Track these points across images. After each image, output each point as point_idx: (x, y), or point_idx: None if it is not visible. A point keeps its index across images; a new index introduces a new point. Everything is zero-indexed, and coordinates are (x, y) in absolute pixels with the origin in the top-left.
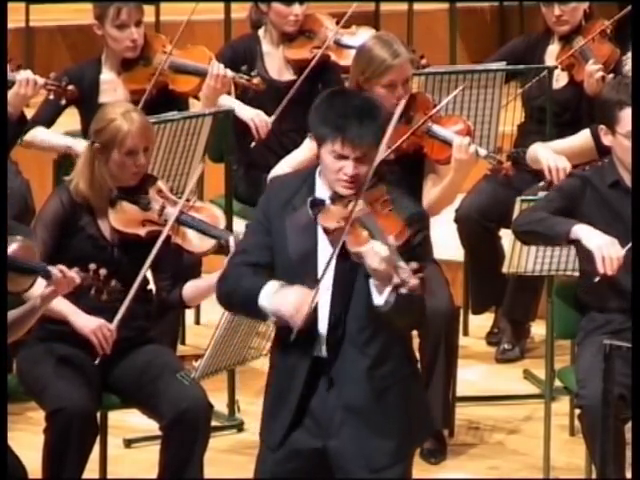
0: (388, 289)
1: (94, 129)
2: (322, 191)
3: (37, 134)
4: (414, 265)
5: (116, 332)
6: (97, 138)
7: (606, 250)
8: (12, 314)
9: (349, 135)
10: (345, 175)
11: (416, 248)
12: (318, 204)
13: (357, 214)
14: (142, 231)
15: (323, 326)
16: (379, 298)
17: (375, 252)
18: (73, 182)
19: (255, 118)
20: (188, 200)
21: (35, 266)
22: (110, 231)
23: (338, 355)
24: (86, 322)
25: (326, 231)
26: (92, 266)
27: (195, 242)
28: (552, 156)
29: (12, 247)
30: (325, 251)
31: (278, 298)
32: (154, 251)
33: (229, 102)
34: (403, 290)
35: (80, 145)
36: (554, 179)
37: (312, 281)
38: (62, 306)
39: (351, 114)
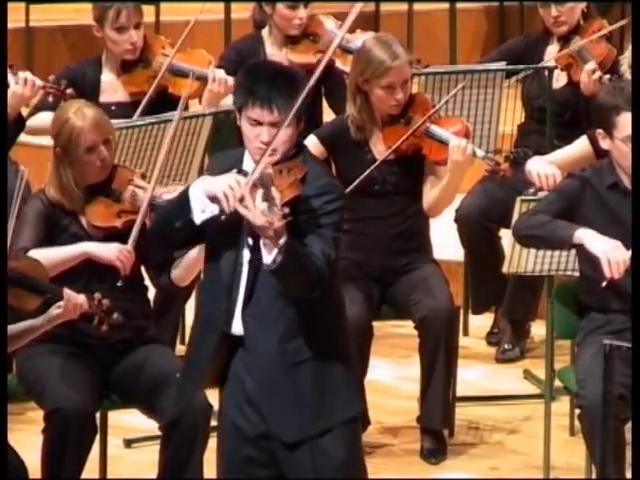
0: (275, 248)
1: (52, 134)
2: (248, 165)
3: (39, 117)
4: (286, 210)
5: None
6: (57, 142)
7: (612, 254)
8: (11, 329)
9: (258, 96)
10: (260, 142)
11: (323, 216)
12: (244, 175)
13: (250, 178)
14: (118, 222)
15: (240, 299)
16: (267, 257)
17: (255, 208)
18: (46, 189)
19: None
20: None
21: (48, 287)
22: (92, 228)
23: (251, 327)
24: (106, 249)
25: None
26: (97, 295)
27: None
28: (540, 164)
29: (20, 264)
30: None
31: (212, 180)
32: (133, 235)
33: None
34: (269, 233)
35: (91, 247)
36: (544, 186)
37: (236, 244)
38: (74, 247)
39: (262, 77)
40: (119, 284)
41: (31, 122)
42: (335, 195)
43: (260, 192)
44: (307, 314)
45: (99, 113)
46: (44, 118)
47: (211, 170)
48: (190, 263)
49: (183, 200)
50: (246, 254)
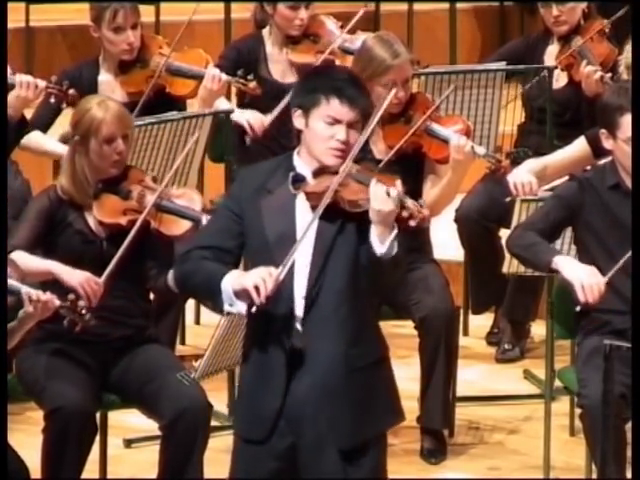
0: (391, 236)
1: (72, 123)
2: (302, 169)
3: (32, 137)
4: (421, 201)
5: (103, 287)
6: (75, 131)
7: (586, 279)
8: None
9: (347, 95)
10: (337, 142)
11: None
12: (300, 179)
13: (345, 171)
14: (123, 220)
15: (301, 304)
16: (381, 247)
17: (380, 192)
18: (59, 180)
19: (250, 119)
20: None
21: (14, 287)
22: (97, 225)
23: (314, 333)
24: (73, 274)
25: (312, 195)
26: (71, 296)
27: (172, 225)
28: (518, 173)
29: None
30: (302, 231)
31: (241, 277)
32: (131, 234)
33: (224, 107)
34: (413, 223)
35: (60, 270)
36: (520, 194)
37: (289, 250)
38: (46, 263)
39: (346, 79)
40: (86, 317)
41: (24, 141)
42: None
43: (377, 183)
44: (366, 319)
45: (122, 108)
46: (38, 140)
47: (245, 185)
48: None
49: (213, 288)
50: (302, 257)
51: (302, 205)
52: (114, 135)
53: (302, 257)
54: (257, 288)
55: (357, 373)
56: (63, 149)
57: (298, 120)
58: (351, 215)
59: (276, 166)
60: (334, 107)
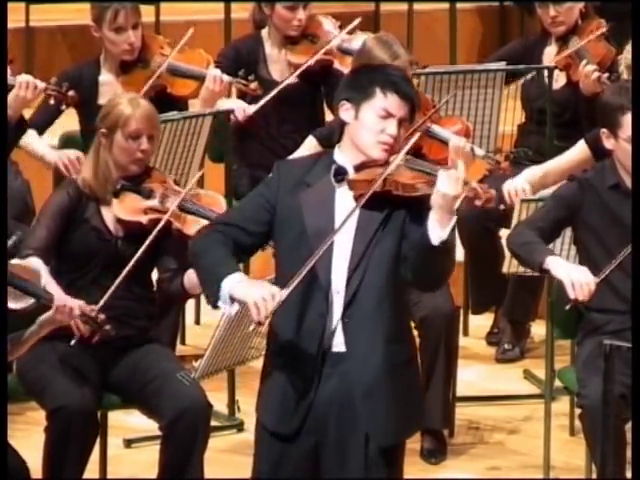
0: (451, 222)
1: (101, 115)
2: (345, 162)
3: (27, 139)
4: (485, 185)
5: (99, 313)
6: (102, 123)
7: (575, 276)
8: (11, 337)
9: (403, 90)
10: (387, 135)
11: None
12: (342, 172)
13: (397, 158)
14: (144, 219)
15: (337, 300)
16: (441, 232)
17: (451, 174)
18: (79, 176)
19: (232, 105)
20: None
21: (38, 291)
22: (114, 223)
23: (354, 329)
24: (65, 301)
25: (358, 184)
26: (93, 307)
27: (195, 226)
28: (515, 185)
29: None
30: (341, 223)
31: (246, 287)
32: (153, 233)
33: (229, 105)
34: (478, 203)
35: (52, 155)
36: (514, 202)
37: (324, 258)
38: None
39: (402, 75)
40: (71, 344)
41: (21, 142)
42: None
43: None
44: (403, 316)
45: (152, 108)
46: (27, 140)
47: (284, 178)
48: None
49: (215, 280)
50: (341, 249)
51: (342, 199)
52: (140, 132)
53: (341, 250)
54: (258, 308)
55: (397, 369)
56: (49, 154)
57: (346, 113)
58: (400, 202)
59: (314, 161)
60: (390, 101)
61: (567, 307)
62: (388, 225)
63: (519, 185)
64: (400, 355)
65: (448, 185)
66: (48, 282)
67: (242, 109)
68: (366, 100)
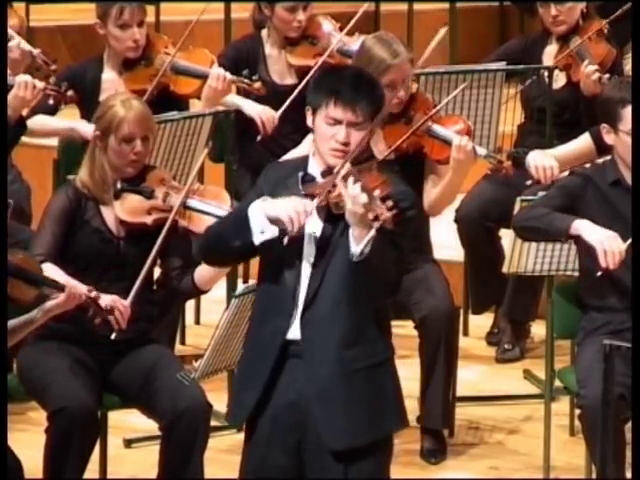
0: (367, 237)
1: (95, 117)
2: (314, 169)
3: (36, 119)
4: (389, 203)
5: (130, 309)
6: (97, 125)
7: (608, 244)
8: (9, 323)
9: (343, 96)
10: (337, 142)
11: (405, 223)
12: (309, 180)
13: (337, 175)
14: (148, 219)
15: (301, 301)
16: (356, 247)
17: (353, 194)
18: (78, 174)
19: (261, 114)
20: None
21: (46, 280)
22: (116, 224)
23: (311, 332)
24: (101, 299)
25: (311, 196)
26: (95, 293)
27: (202, 223)
28: (538, 156)
29: (16, 258)
30: (310, 231)
31: (275, 203)
32: (162, 234)
33: (235, 100)
34: (376, 224)
35: (82, 126)
36: (541, 178)
37: (293, 263)
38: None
39: (347, 79)
40: (113, 337)
41: (30, 123)
42: (410, 203)
43: (355, 183)
44: (365, 321)
45: (146, 109)
46: (42, 121)
47: (268, 179)
48: (216, 272)
49: (241, 219)
50: (307, 256)
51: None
52: (133, 135)
53: (308, 257)
54: (292, 220)
55: (355, 375)
56: (71, 124)
57: (309, 119)
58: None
59: (297, 165)
60: (333, 108)
61: (598, 274)
62: (345, 234)
63: (547, 162)
64: (360, 360)
65: (348, 203)
66: (72, 284)
67: (272, 119)
68: (317, 109)
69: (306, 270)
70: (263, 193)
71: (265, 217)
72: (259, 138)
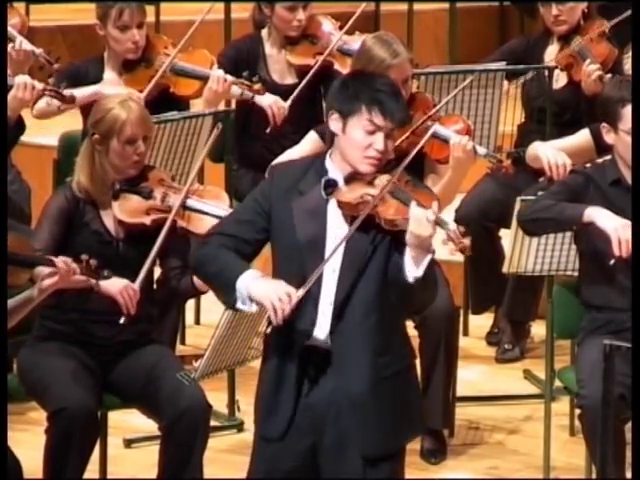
0: (426, 260)
1: (92, 121)
2: (334, 174)
3: (42, 102)
4: (461, 228)
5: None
6: (96, 129)
7: (622, 232)
8: (8, 303)
9: (386, 105)
10: (374, 151)
11: None
12: (332, 184)
13: (386, 187)
14: (147, 219)
15: (326, 313)
16: (417, 270)
17: (421, 216)
18: (75, 177)
19: (273, 105)
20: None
21: (37, 258)
22: (115, 225)
23: (341, 342)
24: (111, 283)
25: (346, 206)
26: (84, 257)
27: (201, 224)
28: (552, 152)
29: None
30: (333, 236)
31: (262, 287)
32: (162, 235)
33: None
34: (453, 248)
35: (108, 88)
36: (554, 175)
37: (316, 267)
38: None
39: (386, 89)
40: (122, 321)
41: (38, 105)
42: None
43: (416, 204)
44: (395, 330)
45: (144, 109)
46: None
47: (276, 184)
48: None
49: (229, 281)
50: (330, 259)
51: (334, 210)
52: (136, 136)
53: (330, 263)
54: (275, 310)
55: (385, 382)
56: (94, 89)
57: (334, 124)
58: (386, 231)
59: (308, 166)
60: (376, 118)
61: (611, 262)
62: (377, 244)
63: (560, 159)
64: (389, 367)
65: (418, 226)
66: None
67: (283, 111)
68: (352, 115)
69: (329, 275)
70: (271, 199)
71: (247, 295)
72: (268, 130)
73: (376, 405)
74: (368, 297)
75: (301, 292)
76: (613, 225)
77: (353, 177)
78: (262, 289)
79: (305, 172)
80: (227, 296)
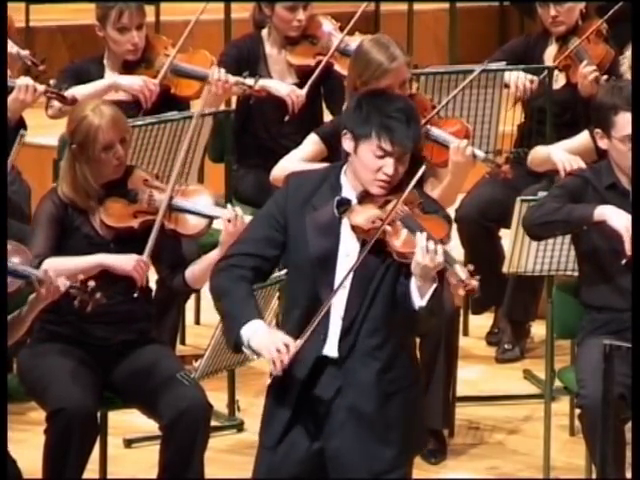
0: (431, 290)
1: (68, 131)
2: (347, 191)
3: (73, 90)
4: (470, 267)
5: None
6: (73, 139)
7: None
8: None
9: (398, 134)
10: (384, 175)
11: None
12: (344, 203)
13: (397, 213)
14: (135, 223)
15: (336, 326)
16: (421, 300)
17: (428, 249)
18: (58, 187)
19: (291, 94)
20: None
21: (25, 272)
22: (104, 228)
23: (348, 357)
24: (122, 260)
25: (357, 230)
26: (80, 277)
27: (188, 224)
28: (567, 157)
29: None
30: (345, 253)
31: (261, 339)
32: (153, 237)
33: (261, 82)
34: (461, 291)
35: (124, 79)
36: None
37: (327, 283)
38: (91, 259)
39: (398, 115)
40: (135, 295)
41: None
42: (450, 226)
43: (427, 237)
44: (402, 346)
45: (116, 111)
46: (77, 90)
47: (292, 195)
48: (206, 269)
49: (234, 328)
50: (341, 276)
51: (347, 227)
52: (112, 141)
53: (342, 278)
54: (274, 362)
55: (391, 397)
56: (109, 81)
57: (347, 143)
58: (396, 260)
59: (322, 179)
60: (384, 144)
61: (622, 262)
62: (387, 265)
63: (575, 163)
64: (396, 383)
65: (424, 257)
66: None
67: (300, 100)
68: (363, 138)
69: (339, 291)
70: (286, 213)
71: (248, 345)
72: (287, 118)
73: (384, 423)
74: (377, 315)
75: (299, 342)
76: (625, 225)
77: (366, 197)
78: (261, 341)
79: (320, 185)
80: (232, 340)
